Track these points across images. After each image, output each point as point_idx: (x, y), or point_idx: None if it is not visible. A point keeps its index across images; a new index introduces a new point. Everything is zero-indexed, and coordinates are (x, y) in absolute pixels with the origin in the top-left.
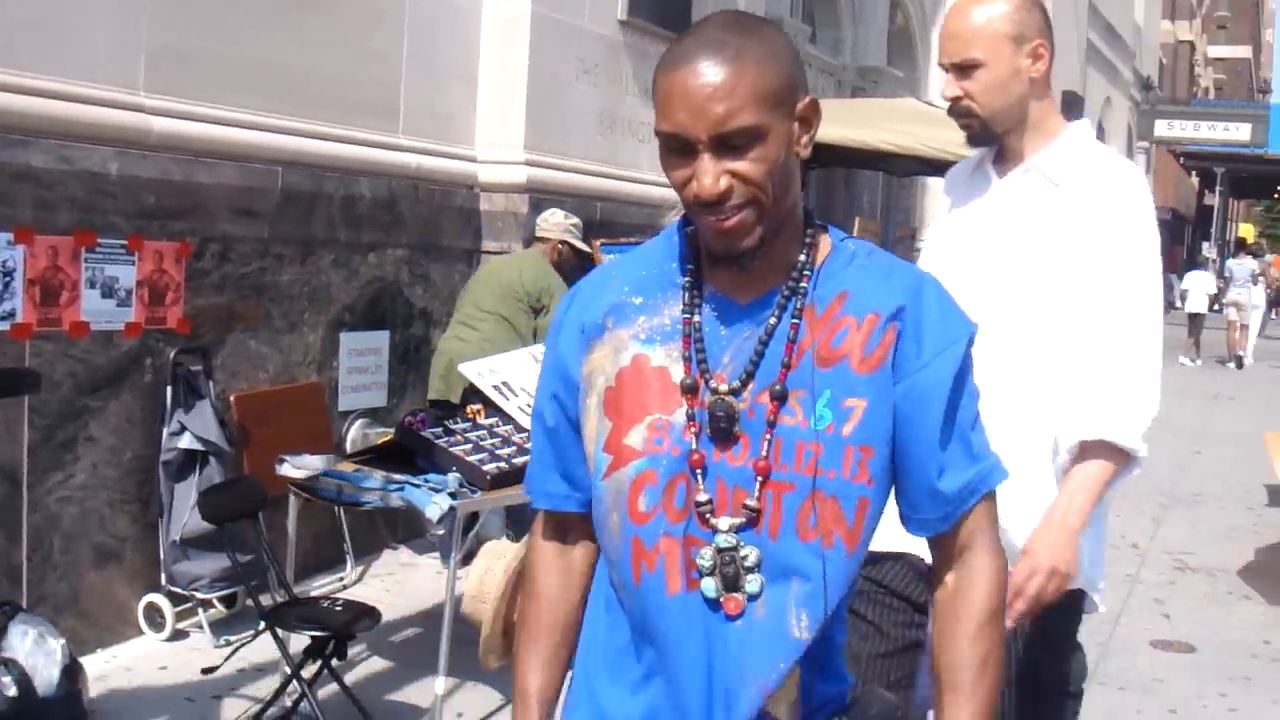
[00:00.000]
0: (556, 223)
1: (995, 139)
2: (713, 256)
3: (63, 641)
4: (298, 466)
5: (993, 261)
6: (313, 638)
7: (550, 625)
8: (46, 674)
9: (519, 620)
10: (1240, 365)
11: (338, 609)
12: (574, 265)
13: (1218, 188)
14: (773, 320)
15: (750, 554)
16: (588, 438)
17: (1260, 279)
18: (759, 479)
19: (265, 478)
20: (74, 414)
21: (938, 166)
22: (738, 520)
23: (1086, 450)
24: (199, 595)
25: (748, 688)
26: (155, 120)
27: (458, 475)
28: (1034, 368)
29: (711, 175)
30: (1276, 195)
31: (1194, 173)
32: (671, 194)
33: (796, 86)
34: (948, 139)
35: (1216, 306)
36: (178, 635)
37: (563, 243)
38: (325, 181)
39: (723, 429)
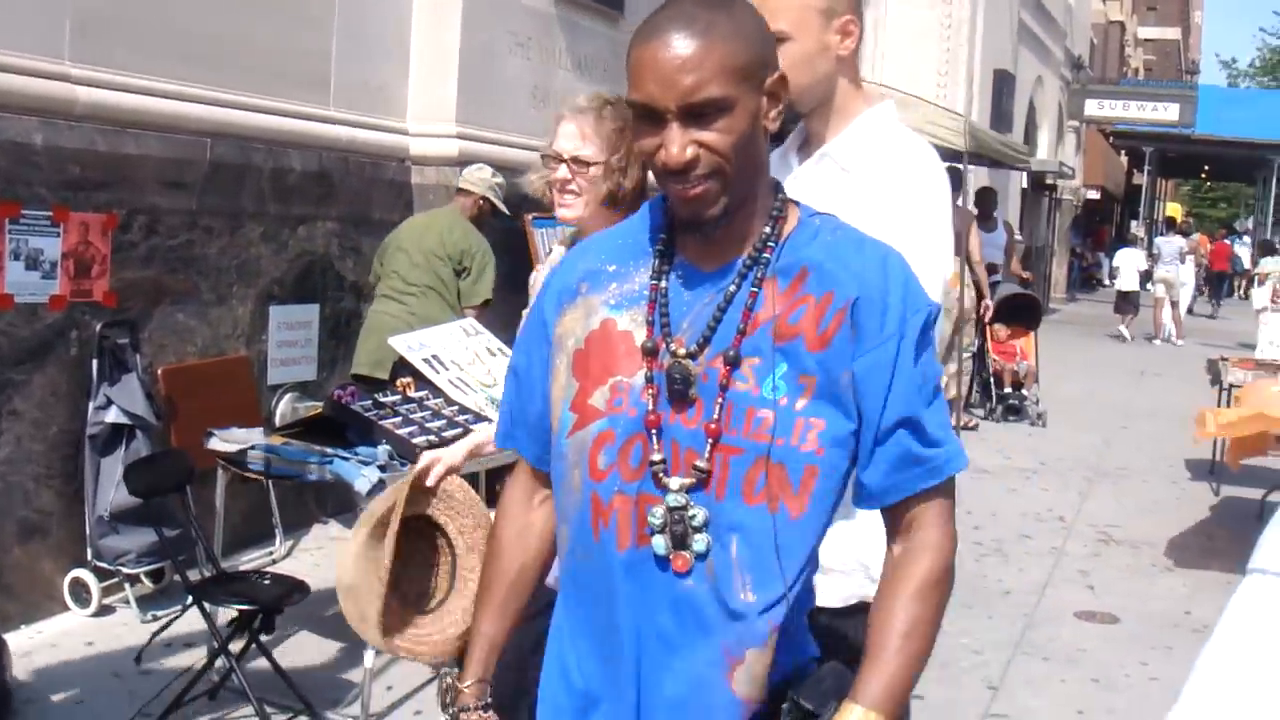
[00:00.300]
0: (482, 178)
1: (798, 119)
2: (680, 224)
3: None
4: (226, 440)
5: None
6: (240, 612)
7: (504, 575)
8: None
9: (484, 565)
10: (1174, 343)
11: (266, 583)
12: (493, 225)
13: (1146, 167)
14: (732, 288)
15: (698, 514)
16: (555, 398)
17: (1189, 257)
18: (710, 441)
19: (193, 452)
20: None
21: None
22: (688, 480)
23: None
24: (126, 570)
25: (700, 653)
26: (81, 90)
27: (387, 448)
28: None
29: (679, 144)
30: (1203, 175)
31: (1123, 152)
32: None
33: (765, 62)
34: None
35: (1148, 284)
36: (104, 611)
37: (484, 199)
38: (254, 153)
39: (678, 391)
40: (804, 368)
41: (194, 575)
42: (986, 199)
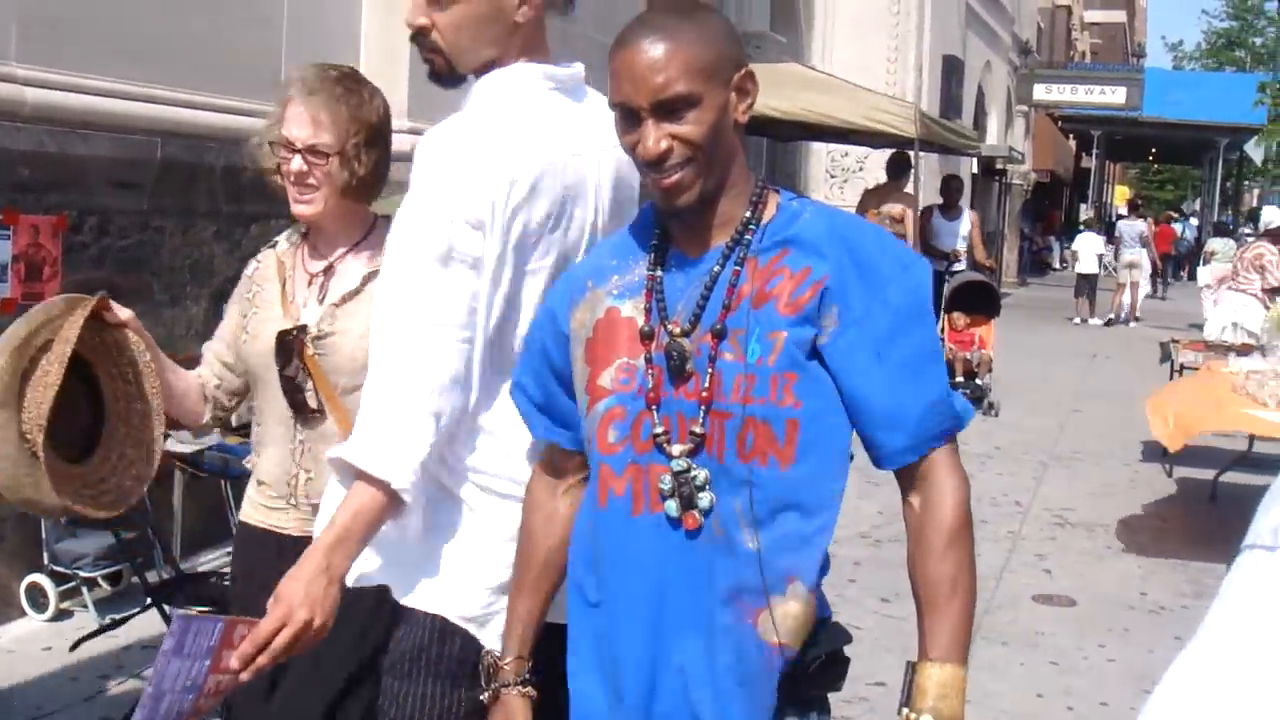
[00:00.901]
0: None
1: (461, 80)
2: (662, 213)
3: None
4: (182, 441)
5: None
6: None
7: (534, 559)
8: None
9: (517, 550)
10: (1129, 322)
11: (225, 584)
12: None
13: (1094, 150)
14: (716, 269)
15: (700, 474)
16: (576, 383)
17: (1149, 241)
18: (703, 408)
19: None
20: None
21: (820, 132)
22: (687, 446)
23: (354, 471)
24: (83, 574)
25: (717, 601)
26: (29, 91)
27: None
28: None
29: (653, 138)
30: (1150, 158)
31: (1071, 136)
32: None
33: (731, 61)
34: (831, 105)
35: (1111, 268)
36: (62, 615)
37: None
38: (206, 152)
39: (676, 367)
40: (774, 326)
41: (152, 577)
42: (950, 187)
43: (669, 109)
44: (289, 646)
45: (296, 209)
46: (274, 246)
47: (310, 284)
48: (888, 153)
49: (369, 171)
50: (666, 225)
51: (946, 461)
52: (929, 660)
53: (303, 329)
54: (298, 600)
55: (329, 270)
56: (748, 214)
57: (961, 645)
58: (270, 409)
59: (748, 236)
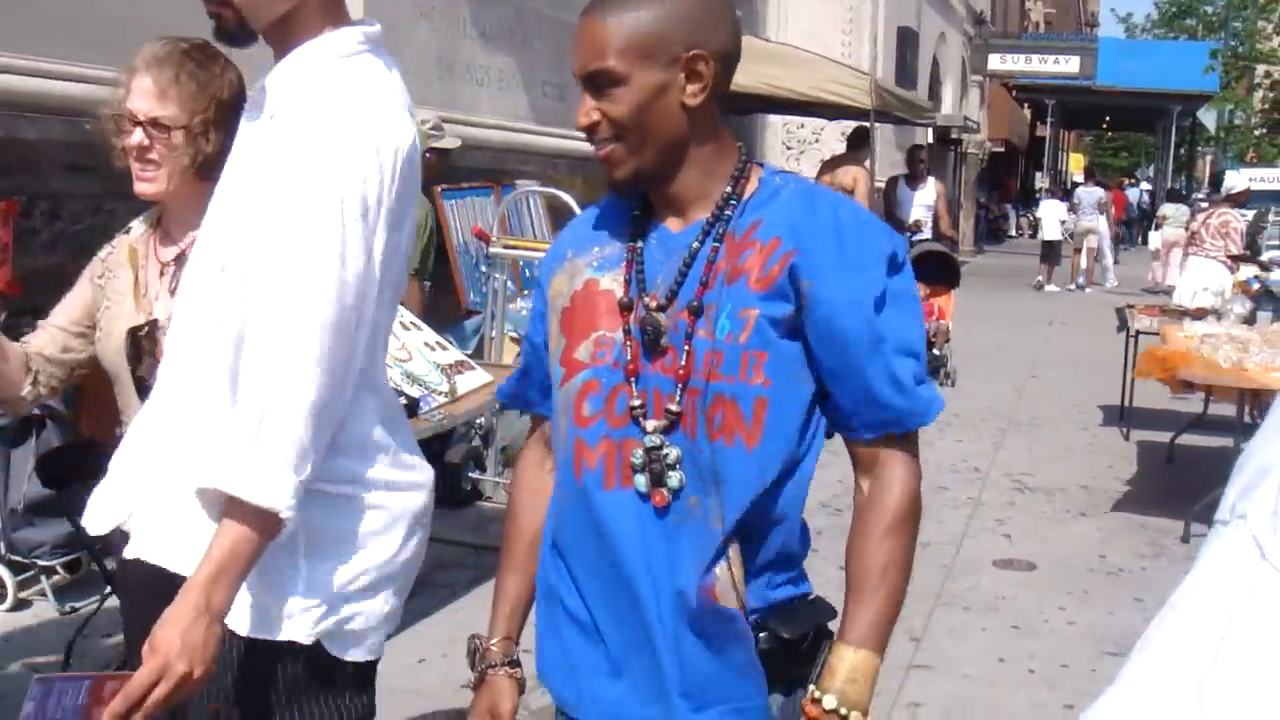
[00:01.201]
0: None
1: (253, 38)
2: (609, 185)
3: None
4: None
5: (206, 226)
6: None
7: (521, 536)
8: None
9: (504, 527)
10: (1085, 288)
11: None
12: (440, 174)
13: (1049, 119)
14: (695, 245)
15: (671, 453)
16: (551, 353)
17: (1109, 208)
18: (679, 385)
19: (106, 440)
20: None
21: (776, 104)
22: (662, 423)
23: (225, 499)
24: (41, 563)
25: (683, 577)
26: None
27: None
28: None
29: (583, 110)
30: (1104, 126)
31: (1026, 105)
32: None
33: (679, 42)
34: (786, 77)
35: (1068, 235)
36: (20, 605)
37: (429, 151)
38: None
39: (651, 341)
40: (745, 303)
41: (111, 564)
42: (915, 157)
43: (595, 84)
44: (165, 701)
45: (138, 187)
46: (128, 232)
47: (162, 274)
48: (843, 124)
49: (217, 149)
50: (649, 198)
51: (901, 449)
52: (844, 643)
53: (154, 324)
54: (174, 651)
55: (180, 259)
56: (728, 189)
57: (879, 632)
58: (130, 409)
59: (728, 212)
